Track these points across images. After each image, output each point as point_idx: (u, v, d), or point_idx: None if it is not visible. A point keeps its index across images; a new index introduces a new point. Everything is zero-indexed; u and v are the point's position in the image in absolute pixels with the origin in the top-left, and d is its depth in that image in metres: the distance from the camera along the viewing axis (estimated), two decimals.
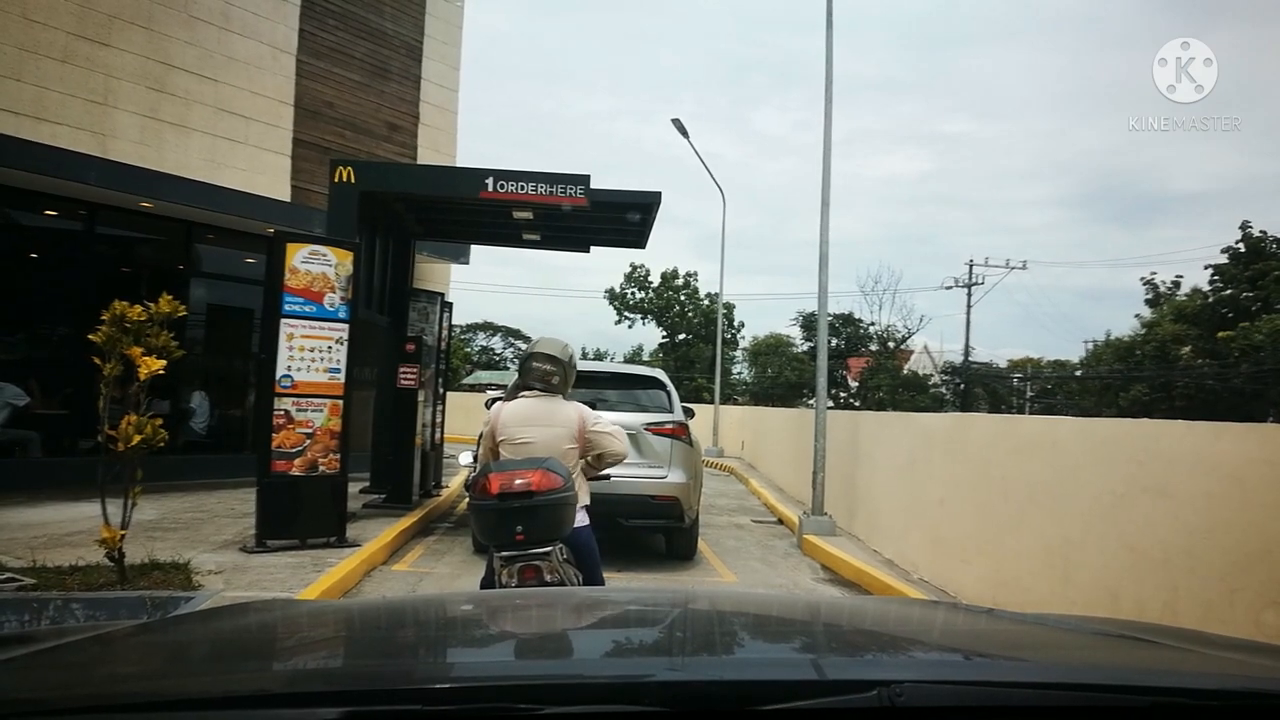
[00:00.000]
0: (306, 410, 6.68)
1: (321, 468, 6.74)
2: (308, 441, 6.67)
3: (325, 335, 6.66)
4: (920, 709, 1.02)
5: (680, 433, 7.27)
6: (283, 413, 6.60)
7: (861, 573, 6.57)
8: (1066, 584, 4.61)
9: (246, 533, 6.74)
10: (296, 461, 6.63)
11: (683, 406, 7.68)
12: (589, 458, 3.78)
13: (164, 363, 5.20)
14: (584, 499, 3.76)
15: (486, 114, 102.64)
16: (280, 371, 6.56)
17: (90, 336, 5.12)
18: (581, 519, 3.66)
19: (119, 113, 9.57)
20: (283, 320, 6.49)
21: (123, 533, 5.13)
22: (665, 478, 7.04)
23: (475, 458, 4.16)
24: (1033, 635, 1.66)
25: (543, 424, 3.71)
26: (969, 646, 1.57)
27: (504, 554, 3.32)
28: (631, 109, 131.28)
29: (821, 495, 8.39)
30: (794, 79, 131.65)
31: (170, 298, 5.30)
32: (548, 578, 3.34)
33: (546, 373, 3.79)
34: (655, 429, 7.17)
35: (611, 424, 3.89)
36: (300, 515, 6.61)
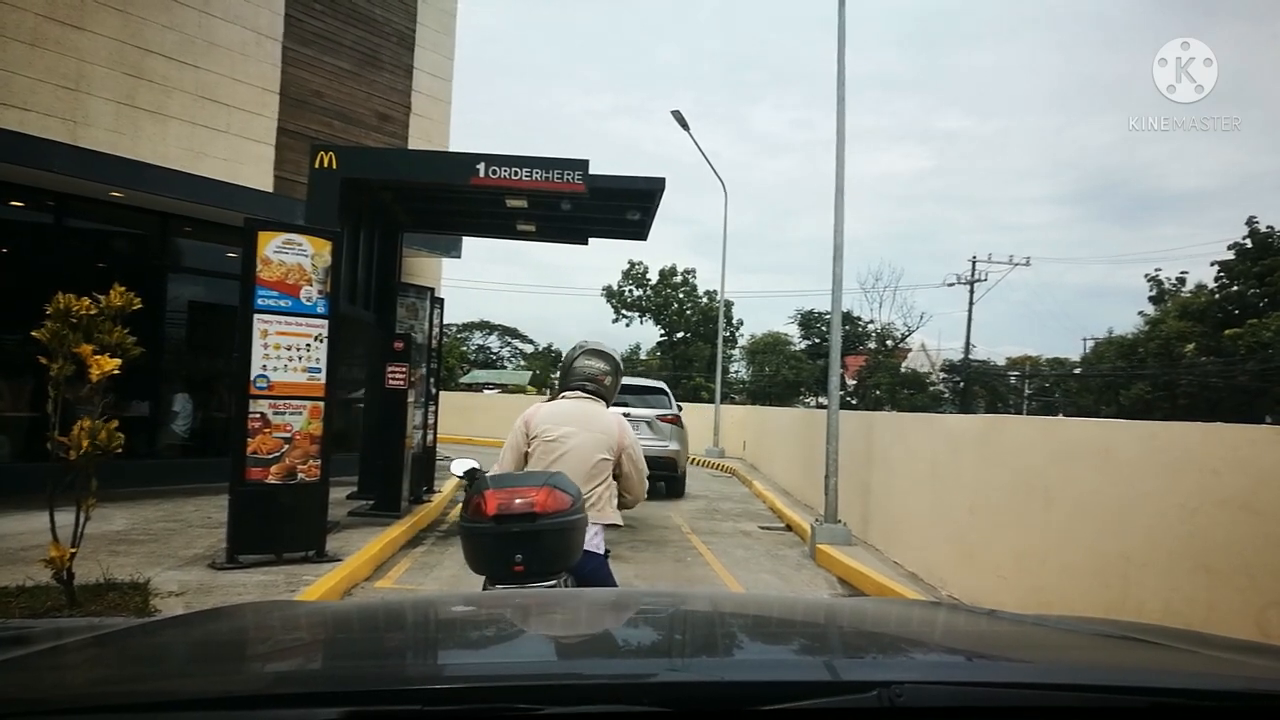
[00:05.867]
0: (284, 413, 6.17)
1: (300, 475, 6.23)
2: (285, 447, 6.16)
3: (302, 332, 6.14)
4: (920, 709, 1.02)
5: (676, 420, 12.17)
6: (258, 416, 6.09)
7: (884, 588, 6.08)
8: (1124, 606, 4.12)
9: (219, 546, 6.23)
10: (273, 468, 6.12)
11: (676, 404, 12.40)
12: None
13: (118, 362, 4.69)
14: (614, 519, 3.28)
15: (482, 113, 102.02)
16: (255, 372, 6.04)
17: (34, 334, 4.62)
18: (597, 544, 3.14)
19: (92, 99, 9.06)
20: (255, 316, 5.97)
21: (72, 550, 4.62)
22: (668, 446, 11.72)
23: (477, 469, 3.48)
24: (1033, 636, 1.64)
25: (582, 425, 3.25)
26: (969, 647, 1.56)
27: (498, 588, 2.79)
28: (629, 106, 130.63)
29: (835, 501, 7.90)
30: (792, 77, 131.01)
31: (123, 289, 4.80)
32: None
33: (600, 372, 3.40)
34: (662, 418, 11.95)
35: (641, 457, 3.44)
36: (276, 527, 6.10)
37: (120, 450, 4.79)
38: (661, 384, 13.79)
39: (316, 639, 1.58)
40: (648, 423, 11.45)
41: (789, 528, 9.66)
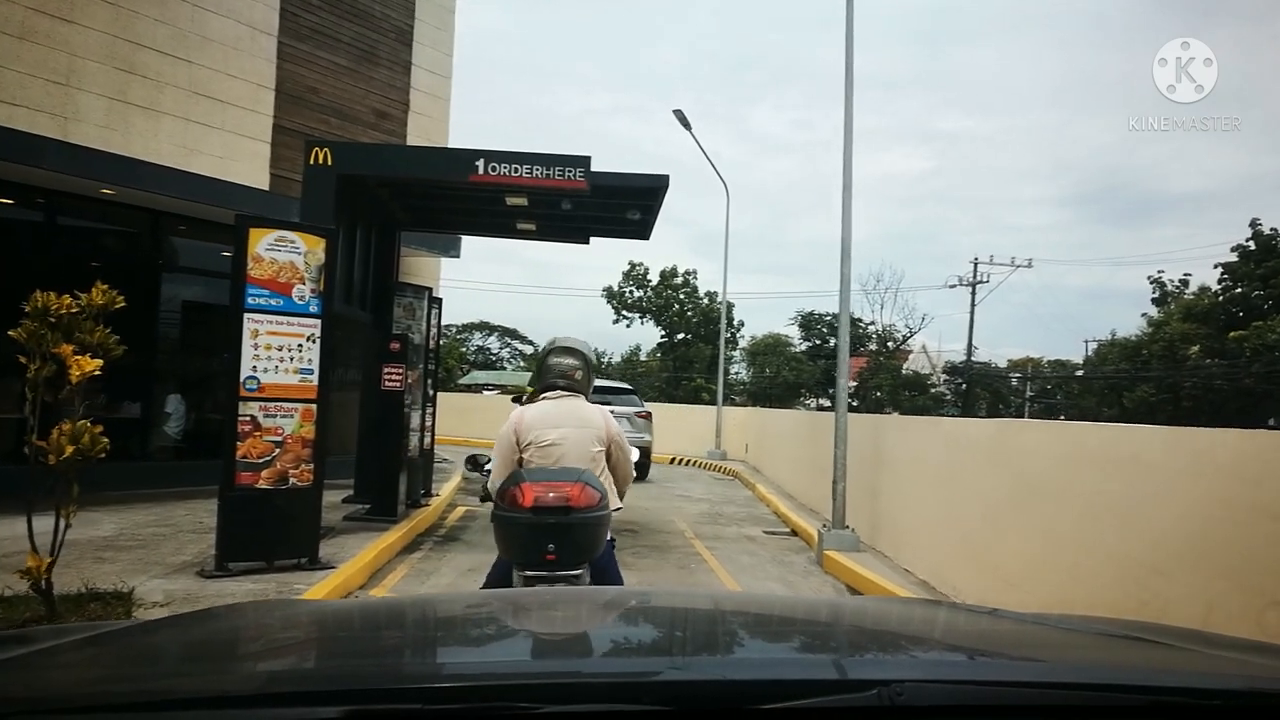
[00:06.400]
0: (275, 416, 5.97)
1: (292, 480, 6.03)
2: (277, 451, 5.96)
3: (294, 332, 5.94)
4: (921, 708, 1.02)
5: (648, 416, 15.41)
6: (248, 419, 5.89)
7: (893, 596, 5.87)
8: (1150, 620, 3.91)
9: (209, 552, 6.03)
10: (264, 473, 5.92)
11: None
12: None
13: (99, 363, 4.49)
14: (616, 503, 3.43)
15: (481, 113, 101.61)
16: (245, 373, 5.85)
17: (11, 333, 4.42)
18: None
19: (83, 94, 8.88)
20: (246, 315, 5.77)
21: (50, 560, 4.42)
22: (644, 437, 14.49)
23: (479, 462, 3.88)
24: (1034, 635, 1.64)
25: (570, 425, 3.41)
26: (970, 646, 1.56)
27: (529, 574, 2.98)
28: (629, 106, 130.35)
29: (843, 507, 7.70)
30: (791, 77, 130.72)
31: (105, 287, 4.60)
32: None
33: (570, 368, 3.55)
34: (638, 415, 14.93)
35: (628, 443, 3.65)
36: (267, 533, 5.89)
37: (104, 455, 4.59)
38: (630, 386, 19.15)
39: (317, 638, 1.56)
40: (628, 418, 13.82)
41: (794, 533, 9.46)
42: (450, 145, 12.97)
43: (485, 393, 36.89)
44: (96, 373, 4.52)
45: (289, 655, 1.47)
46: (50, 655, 1.32)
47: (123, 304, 4.71)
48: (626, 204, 8.48)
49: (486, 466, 3.90)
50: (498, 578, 3.43)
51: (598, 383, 10.93)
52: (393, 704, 1.00)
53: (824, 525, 7.94)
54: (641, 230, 9.15)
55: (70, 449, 4.42)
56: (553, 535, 2.92)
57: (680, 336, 40.00)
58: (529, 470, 3.18)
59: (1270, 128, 57.04)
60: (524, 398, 15.65)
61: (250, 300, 5.80)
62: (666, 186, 7.76)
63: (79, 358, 4.47)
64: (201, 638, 1.53)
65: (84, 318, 4.60)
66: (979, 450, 5.97)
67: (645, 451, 14.11)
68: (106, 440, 4.59)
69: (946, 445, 6.62)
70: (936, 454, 6.72)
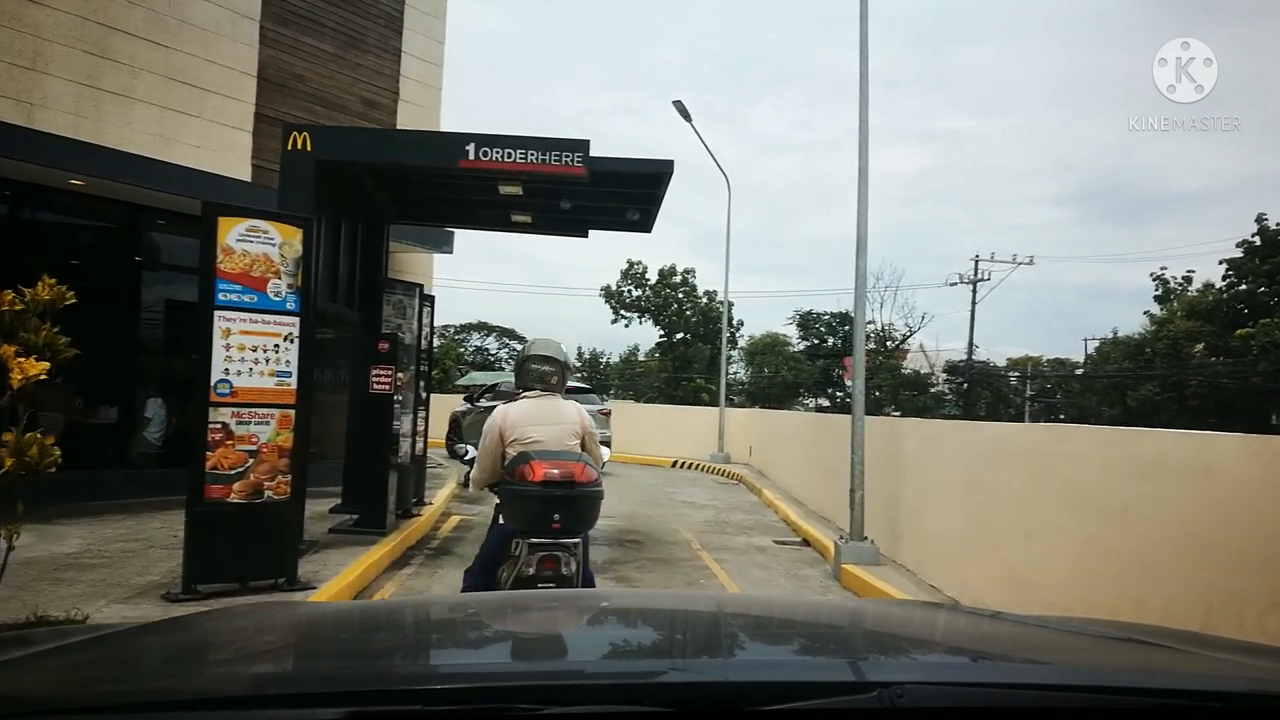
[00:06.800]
0: (249, 423, 5.47)
1: (268, 493, 5.53)
2: (250, 461, 5.45)
3: (270, 331, 5.43)
4: (921, 710, 1.01)
5: (607, 414, 16.45)
6: (219, 426, 5.39)
7: (894, 599, 5.40)
8: None
9: (179, 571, 5.53)
10: (236, 485, 5.41)
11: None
12: None
13: (45, 365, 4.00)
14: None
15: (481, 114, 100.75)
16: (216, 376, 5.34)
17: None
18: None
19: (50, 79, 8.37)
20: (216, 312, 5.27)
21: None
22: (606, 432, 14.74)
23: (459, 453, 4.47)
24: (1035, 637, 1.62)
25: (549, 422, 3.77)
26: (970, 648, 1.56)
27: (534, 541, 3.41)
28: (629, 106, 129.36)
29: (861, 517, 7.21)
30: (791, 77, 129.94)
31: (53, 282, 4.11)
32: (564, 571, 3.42)
33: (546, 373, 3.92)
34: (599, 412, 15.26)
35: (598, 435, 4.08)
36: (241, 552, 5.39)
37: (54, 468, 4.12)
38: (589, 385, 22.46)
39: (317, 639, 1.56)
40: (593, 415, 17.26)
41: (806, 542, 8.97)
42: None
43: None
44: (42, 376, 4.04)
45: (289, 657, 1.46)
46: (51, 656, 1.32)
47: (73, 299, 4.22)
48: (628, 192, 7.98)
49: (468, 457, 4.25)
50: (491, 552, 3.71)
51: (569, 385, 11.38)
52: (393, 705, 1.00)
53: (840, 536, 7.46)
54: (644, 222, 8.66)
55: (10, 462, 3.94)
56: (559, 506, 3.36)
57: (679, 336, 39.53)
58: (537, 451, 3.55)
59: (1270, 128, 56.72)
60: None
61: (220, 296, 5.29)
62: (671, 172, 7.26)
63: (21, 360, 3.99)
64: (202, 639, 1.52)
65: (28, 315, 4.12)
66: (1020, 458, 5.49)
67: (605, 443, 17.86)
68: (58, 452, 4.12)
69: (981, 451, 6.14)
70: (968, 460, 6.24)
